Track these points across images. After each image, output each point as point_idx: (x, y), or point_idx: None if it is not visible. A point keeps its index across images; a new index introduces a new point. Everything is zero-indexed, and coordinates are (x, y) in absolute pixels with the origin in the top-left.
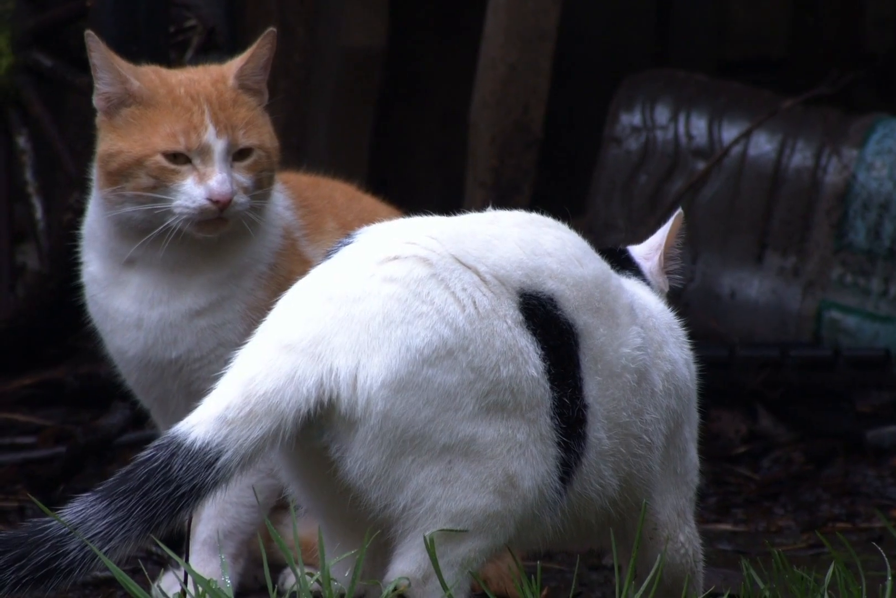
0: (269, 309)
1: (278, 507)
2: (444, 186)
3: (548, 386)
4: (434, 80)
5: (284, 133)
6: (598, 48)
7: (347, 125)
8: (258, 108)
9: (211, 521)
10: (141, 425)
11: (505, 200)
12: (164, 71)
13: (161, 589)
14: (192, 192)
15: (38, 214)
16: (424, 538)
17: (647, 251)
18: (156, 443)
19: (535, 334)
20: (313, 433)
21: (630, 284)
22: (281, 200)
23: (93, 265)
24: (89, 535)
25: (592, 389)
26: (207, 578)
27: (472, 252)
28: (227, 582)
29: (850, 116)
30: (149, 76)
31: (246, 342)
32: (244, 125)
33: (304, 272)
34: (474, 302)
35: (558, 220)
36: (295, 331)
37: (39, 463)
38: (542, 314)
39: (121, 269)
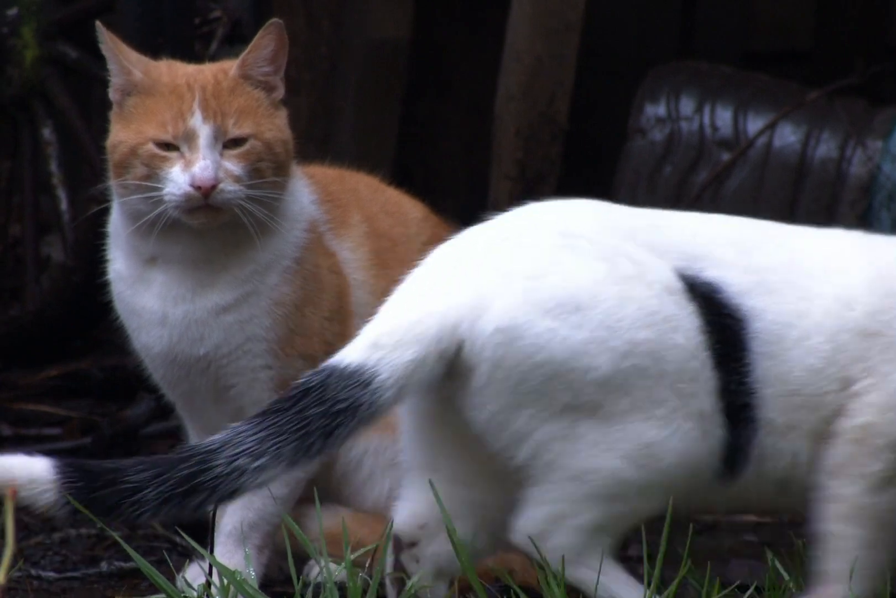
0: (294, 304)
1: (303, 499)
2: (469, 178)
3: (709, 363)
4: (460, 72)
5: (309, 125)
6: (623, 40)
7: (373, 117)
8: (265, 99)
9: (236, 512)
10: (167, 417)
11: (530, 191)
12: (177, 65)
13: (186, 580)
14: (178, 179)
15: (63, 205)
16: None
17: None
18: (308, 372)
19: (695, 305)
20: (443, 381)
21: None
22: (306, 195)
23: (118, 263)
24: (237, 451)
25: (766, 372)
26: (232, 569)
27: (639, 229)
28: (251, 573)
29: (875, 108)
30: (159, 69)
31: (273, 336)
32: (236, 113)
33: (329, 266)
34: (621, 264)
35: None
36: (441, 272)
37: (65, 454)
38: (701, 292)
39: (144, 266)
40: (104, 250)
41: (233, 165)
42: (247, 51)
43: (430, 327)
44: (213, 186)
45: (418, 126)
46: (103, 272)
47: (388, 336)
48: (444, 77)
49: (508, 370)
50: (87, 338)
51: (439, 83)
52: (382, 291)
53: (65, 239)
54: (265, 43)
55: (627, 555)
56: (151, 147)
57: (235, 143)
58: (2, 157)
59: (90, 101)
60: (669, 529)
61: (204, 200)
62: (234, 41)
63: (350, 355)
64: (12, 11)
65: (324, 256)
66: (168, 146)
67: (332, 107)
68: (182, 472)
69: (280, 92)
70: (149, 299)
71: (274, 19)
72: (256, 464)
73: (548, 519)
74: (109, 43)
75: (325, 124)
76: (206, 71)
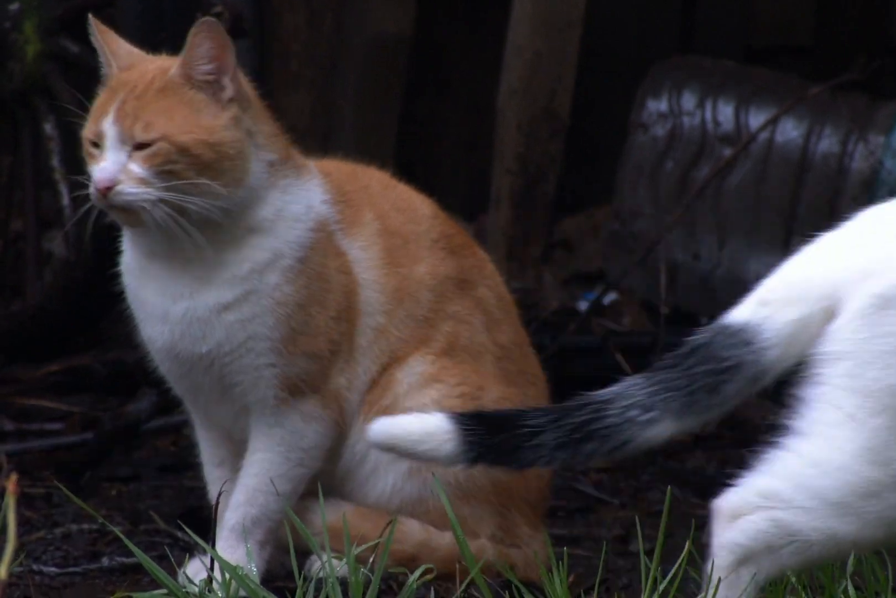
0: (297, 303)
1: (306, 494)
2: (470, 174)
3: None
4: (459, 70)
5: (309, 122)
6: (624, 36)
7: (372, 115)
8: (203, 100)
9: (239, 508)
10: (168, 412)
11: (532, 186)
12: (154, 61)
13: (187, 575)
14: (93, 176)
15: (65, 201)
16: None
17: None
18: (698, 331)
19: None
20: None
21: None
22: (318, 195)
23: (127, 254)
24: (629, 402)
25: None
26: (234, 564)
27: None
28: (253, 569)
29: (876, 103)
30: (134, 65)
31: (276, 334)
32: (151, 116)
33: (338, 266)
34: None
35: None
36: (851, 237)
37: (67, 449)
38: None
39: (147, 259)
40: (106, 246)
41: (137, 167)
42: (183, 51)
43: (817, 285)
44: (109, 188)
45: (418, 124)
46: (105, 267)
47: (775, 293)
48: (444, 75)
49: (864, 326)
50: (88, 333)
51: (439, 81)
52: (393, 289)
53: (66, 234)
54: (198, 42)
55: (628, 551)
56: (87, 144)
57: (145, 145)
58: (3, 152)
59: (90, 95)
60: (666, 523)
61: (104, 200)
62: (236, 36)
63: (738, 313)
64: (14, 6)
65: (333, 256)
66: (95, 144)
67: (332, 104)
68: (578, 418)
69: (229, 92)
70: (151, 293)
71: (205, 18)
72: (647, 417)
73: (760, 492)
74: (97, 35)
75: (324, 122)
76: (154, 69)
